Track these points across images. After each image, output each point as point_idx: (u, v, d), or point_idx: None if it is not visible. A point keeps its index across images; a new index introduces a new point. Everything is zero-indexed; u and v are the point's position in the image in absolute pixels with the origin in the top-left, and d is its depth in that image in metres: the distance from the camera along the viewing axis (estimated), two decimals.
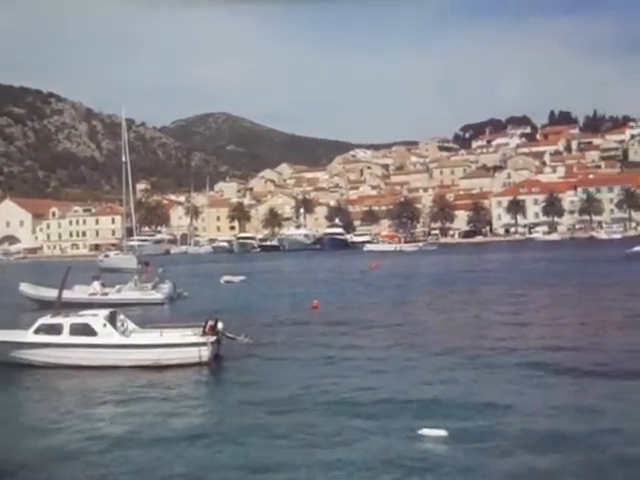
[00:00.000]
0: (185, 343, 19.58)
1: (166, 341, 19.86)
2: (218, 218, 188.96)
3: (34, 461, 12.39)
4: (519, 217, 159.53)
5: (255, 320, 28.69)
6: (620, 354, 19.14)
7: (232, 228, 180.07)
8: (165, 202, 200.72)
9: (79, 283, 36.09)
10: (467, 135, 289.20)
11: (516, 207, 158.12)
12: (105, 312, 20.97)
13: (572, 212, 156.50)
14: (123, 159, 49.59)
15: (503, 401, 14.61)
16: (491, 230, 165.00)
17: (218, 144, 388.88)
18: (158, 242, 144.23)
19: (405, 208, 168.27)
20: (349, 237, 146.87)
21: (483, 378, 16.95)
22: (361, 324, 27.07)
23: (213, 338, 19.60)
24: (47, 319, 20.72)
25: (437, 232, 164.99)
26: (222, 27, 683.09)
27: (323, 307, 32.65)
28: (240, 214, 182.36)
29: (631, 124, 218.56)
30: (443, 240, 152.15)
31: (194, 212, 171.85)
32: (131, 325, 21.51)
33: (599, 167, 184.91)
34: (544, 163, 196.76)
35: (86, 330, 19.84)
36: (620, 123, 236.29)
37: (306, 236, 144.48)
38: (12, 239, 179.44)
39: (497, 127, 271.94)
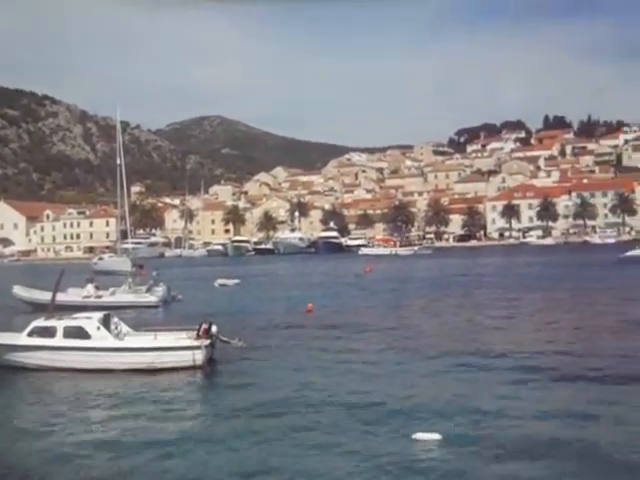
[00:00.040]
0: (179, 346, 19.54)
1: (160, 344, 19.81)
2: (213, 221, 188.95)
3: (27, 464, 12.35)
4: (513, 221, 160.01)
5: (249, 323, 28.67)
6: (614, 359, 19.17)
7: (227, 231, 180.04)
8: (160, 205, 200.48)
9: (73, 286, 35.95)
10: (462, 139, 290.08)
11: (510, 211, 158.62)
12: (99, 315, 20.92)
13: (566, 217, 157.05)
14: (118, 162, 49.51)
15: (496, 405, 14.61)
16: (485, 234, 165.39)
17: (213, 147, 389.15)
18: (152, 245, 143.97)
19: (400, 212, 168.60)
20: (344, 241, 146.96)
21: (477, 382, 16.95)
22: (356, 328, 27.05)
23: (207, 341, 19.56)
24: (41, 322, 20.66)
25: (432, 236, 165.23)
26: (219, 29, 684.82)
27: (318, 311, 32.63)
28: (235, 217, 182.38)
29: (625, 129, 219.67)
30: (438, 244, 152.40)
31: (189, 215, 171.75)
32: (125, 328, 21.46)
33: (593, 172, 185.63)
34: (538, 168, 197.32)
35: (80, 333, 19.78)
36: (614, 128, 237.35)
37: (301, 239, 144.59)
38: (6, 241, 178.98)
39: (492, 131, 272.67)
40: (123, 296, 36.81)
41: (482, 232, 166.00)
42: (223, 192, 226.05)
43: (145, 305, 35.83)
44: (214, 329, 20.10)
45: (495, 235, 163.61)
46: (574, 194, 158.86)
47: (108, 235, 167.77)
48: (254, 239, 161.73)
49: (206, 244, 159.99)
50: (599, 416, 13.70)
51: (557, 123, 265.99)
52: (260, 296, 43.33)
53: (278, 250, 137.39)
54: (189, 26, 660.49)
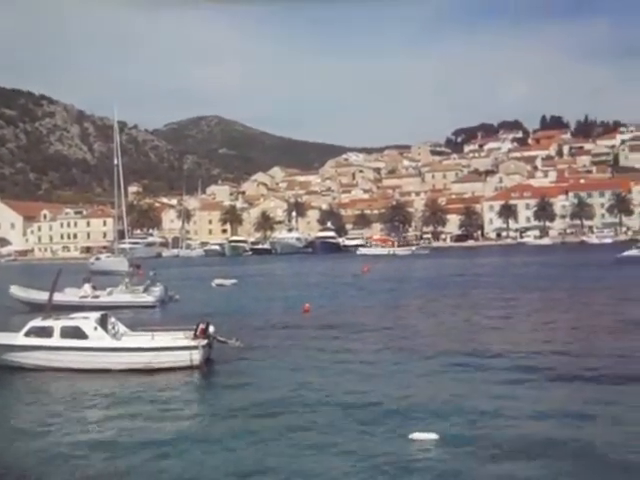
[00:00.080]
0: (176, 346, 19.54)
1: (157, 344, 19.80)
2: (210, 221, 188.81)
3: (24, 464, 12.35)
4: (511, 221, 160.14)
5: (246, 323, 28.67)
6: (610, 359, 19.20)
7: (224, 231, 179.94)
8: (157, 205, 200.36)
9: (70, 286, 35.91)
10: (459, 139, 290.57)
11: (508, 211, 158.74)
12: (96, 315, 20.93)
13: (563, 217, 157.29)
14: (115, 162, 49.45)
15: (493, 405, 14.63)
16: (483, 234, 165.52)
17: (210, 147, 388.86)
18: (150, 245, 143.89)
19: (397, 212, 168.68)
20: (341, 241, 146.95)
21: (473, 382, 16.97)
22: (353, 328, 27.07)
23: (204, 342, 19.56)
24: (38, 322, 20.65)
25: (429, 236, 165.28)
26: (218, 29, 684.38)
27: (315, 311, 32.65)
28: (232, 217, 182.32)
29: (622, 129, 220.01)
30: (435, 244, 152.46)
31: (186, 215, 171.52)
32: (122, 328, 21.46)
33: (590, 172, 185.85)
34: (536, 168, 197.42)
35: (77, 333, 19.78)
36: (611, 128, 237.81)
37: (298, 239, 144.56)
38: (3, 241, 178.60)
39: (489, 131, 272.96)
40: (120, 296, 36.78)
41: (479, 232, 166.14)
42: (220, 192, 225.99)
43: (142, 305, 35.80)
44: (211, 329, 20.11)
45: (492, 235, 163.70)
46: (571, 194, 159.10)
47: (105, 235, 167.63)
48: (251, 239, 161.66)
49: (203, 244, 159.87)
50: (595, 416, 13.72)
51: (554, 123, 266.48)
52: (257, 296, 43.34)
53: (275, 250, 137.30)
54: (187, 26, 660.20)
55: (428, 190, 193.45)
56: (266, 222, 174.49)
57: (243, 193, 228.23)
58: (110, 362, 19.48)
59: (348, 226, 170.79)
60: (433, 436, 12.42)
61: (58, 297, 26.77)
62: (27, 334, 20.17)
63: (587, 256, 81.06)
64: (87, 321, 20.20)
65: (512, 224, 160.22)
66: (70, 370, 19.37)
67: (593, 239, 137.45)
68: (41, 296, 29.64)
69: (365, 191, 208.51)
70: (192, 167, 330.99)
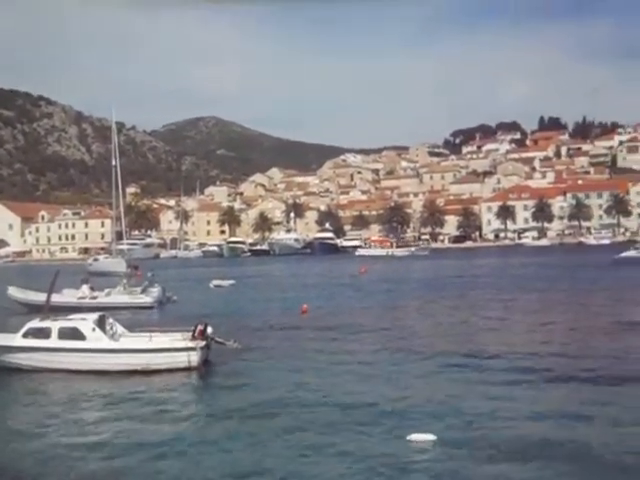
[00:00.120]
0: (174, 348, 19.53)
1: (155, 346, 19.79)
2: (208, 222, 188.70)
3: (20, 465, 12.36)
4: (509, 222, 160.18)
5: (244, 325, 28.67)
6: (607, 360, 19.23)
7: (222, 232, 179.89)
8: (155, 206, 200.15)
9: (68, 287, 35.88)
10: (457, 140, 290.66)
11: (506, 212, 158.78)
12: (94, 316, 20.91)
13: (561, 218, 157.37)
14: (113, 162, 49.50)
15: (491, 406, 14.65)
16: (481, 235, 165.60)
17: (208, 148, 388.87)
18: (148, 246, 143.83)
19: (395, 213, 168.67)
20: (339, 242, 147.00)
21: (471, 383, 16.97)
22: (350, 329, 27.08)
23: (202, 343, 19.55)
24: (35, 323, 20.64)
25: (427, 237, 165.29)
26: (216, 29, 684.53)
27: (313, 312, 32.67)
28: (230, 218, 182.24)
29: (620, 130, 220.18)
30: (433, 245, 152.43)
31: (184, 216, 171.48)
32: (120, 329, 21.45)
33: (588, 173, 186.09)
34: (534, 169, 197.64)
35: (75, 334, 19.76)
36: (609, 129, 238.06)
37: (296, 240, 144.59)
38: (1, 242, 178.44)
39: (487, 133, 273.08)
40: (118, 297, 36.77)
41: (477, 233, 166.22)
42: (218, 193, 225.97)
43: (140, 306, 35.79)
44: (209, 330, 20.10)
45: (490, 236, 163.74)
46: (569, 195, 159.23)
47: (103, 236, 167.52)
48: (249, 240, 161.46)
49: (201, 245, 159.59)
50: (592, 417, 13.74)
51: (552, 124, 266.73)
52: (255, 297, 43.35)
53: (273, 251, 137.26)
54: (187, 26, 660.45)
55: (426, 191, 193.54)
56: (264, 223, 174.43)
57: (241, 194, 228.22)
58: (108, 363, 19.47)
59: (346, 227, 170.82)
60: (431, 437, 12.44)
61: (56, 298, 26.68)
62: (25, 335, 20.16)
63: (585, 257, 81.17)
64: (85, 322, 20.19)
65: (510, 225, 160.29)
66: (68, 371, 19.36)
67: (591, 240, 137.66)
68: (39, 297, 29.64)
69: (363, 192, 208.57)
70: (190, 168, 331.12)
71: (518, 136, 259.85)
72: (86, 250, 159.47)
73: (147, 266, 50.86)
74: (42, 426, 14.57)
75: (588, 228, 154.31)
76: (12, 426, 14.89)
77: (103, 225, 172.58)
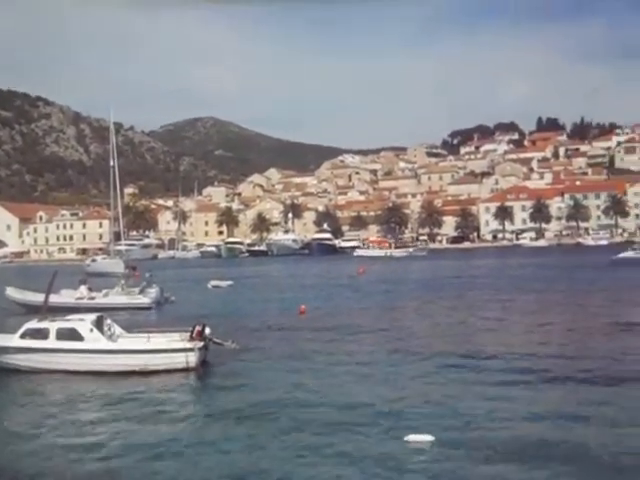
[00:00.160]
0: (172, 349, 19.53)
1: (153, 347, 19.78)
2: (206, 223, 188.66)
3: (17, 465, 12.36)
4: (507, 223, 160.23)
5: (242, 325, 28.68)
6: (604, 360, 19.26)
7: (220, 233, 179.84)
8: (153, 207, 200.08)
9: (66, 287, 35.89)
10: (455, 141, 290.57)
11: (504, 213, 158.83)
12: (92, 317, 20.90)
13: (559, 218, 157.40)
14: (111, 163, 49.45)
15: (488, 407, 14.67)
16: (479, 236, 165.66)
17: (206, 149, 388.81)
18: (146, 247, 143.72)
19: (393, 213, 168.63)
20: (337, 242, 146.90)
21: (469, 384, 16.99)
22: (348, 329, 27.09)
23: (200, 344, 19.55)
24: (33, 323, 20.63)
25: (425, 238, 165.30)
26: (215, 29, 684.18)
27: (311, 312, 32.69)
28: (228, 219, 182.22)
29: (617, 131, 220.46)
30: (431, 246, 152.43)
31: (182, 217, 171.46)
32: (118, 330, 21.44)
33: (586, 174, 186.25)
34: (532, 169, 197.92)
35: (73, 335, 19.76)
36: (607, 130, 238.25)
37: (294, 241, 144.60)
38: None
39: (485, 133, 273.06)
40: (116, 298, 36.76)
41: (475, 234, 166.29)
42: (216, 194, 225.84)
43: (138, 307, 35.78)
44: (207, 331, 20.11)
45: (488, 237, 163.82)
46: (567, 196, 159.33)
47: (101, 237, 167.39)
48: (247, 241, 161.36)
49: (199, 245, 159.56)
50: (589, 417, 13.77)
51: (550, 125, 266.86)
52: (253, 298, 43.36)
53: (272, 252, 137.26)
54: (186, 27, 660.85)
55: (424, 192, 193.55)
56: (262, 224, 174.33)
57: (239, 195, 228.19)
58: (106, 364, 19.47)
59: (344, 228, 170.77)
60: (428, 438, 12.45)
61: (54, 299, 26.72)
62: (23, 336, 20.15)
63: (583, 258, 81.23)
64: (83, 323, 20.18)
65: (508, 226, 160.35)
66: (66, 372, 19.36)
67: (589, 241, 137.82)
68: (37, 298, 29.65)
69: (361, 193, 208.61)
70: (188, 169, 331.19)
71: (516, 137, 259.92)
72: (84, 251, 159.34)
73: (145, 267, 50.85)
74: (40, 427, 14.58)
75: (586, 229, 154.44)
76: (10, 427, 14.89)
77: (101, 226, 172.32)
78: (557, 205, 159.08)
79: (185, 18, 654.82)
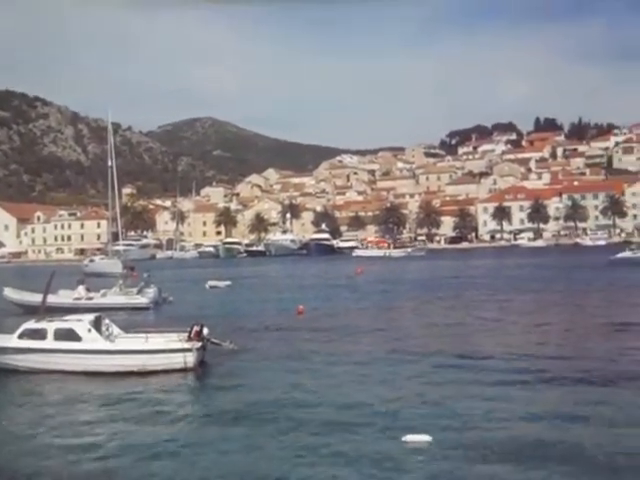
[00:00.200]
0: (170, 349, 19.51)
1: (151, 347, 19.77)
2: (204, 223, 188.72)
3: (14, 465, 12.36)
4: (505, 223, 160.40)
5: (240, 325, 28.67)
6: (601, 360, 19.27)
7: (218, 233, 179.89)
8: (151, 207, 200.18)
9: (64, 288, 35.87)
10: (453, 141, 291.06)
11: (502, 213, 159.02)
12: (90, 317, 20.88)
13: (557, 219, 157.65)
14: (109, 163, 49.47)
15: (486, 407, 14.68)
16: (477, 236, 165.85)
17: (204, 149, 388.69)
18: (144, 247, 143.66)
19: (391, 214, 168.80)
20: (335, 242, 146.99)
21: (466, 384, 17.00)
22: (346, 330, 27.10)
23: (199, 344, 19.54)
24: (31, 324, 20.61)
25: (423, 238, 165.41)
26: (214, 30, 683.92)
27: (309, 312, 32.68)
28: (226, 219, 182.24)
29: (615, 132, 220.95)
30: (429, 246, 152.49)
31: (180, 217, 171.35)
32: (116, 330, 21.42)
33: (584, 174, 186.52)
34: (529, 170, 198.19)
35: (71, 335, 19.74)
36: (605, 130, 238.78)
37: (292, 241, 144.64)
38: None
39: (483, 133, 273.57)
40: (114, 298, 36.72)
41: (473, 234, 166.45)
42: (214, 194, 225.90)
43: (136, 307, 35.75)
44: (205, 331, 20.12)
45: (486, 237, 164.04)
46: (565, 196, 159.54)
47: (99, 237, 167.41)
48: (245, 241, 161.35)
49: (197, 246, 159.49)
50: (586, 417, 13.78)
51: (548, 125, 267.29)
52: (251, 298, 43.34)
53: (270, 252, 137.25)
54: (185, 27, 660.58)
55: (422, 192, 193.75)
56: (260, 224, 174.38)
57: (237, 195, 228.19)
58: (104, 364, 19.45)
59: (342, 228, 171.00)
60: (426, 438, 12.46)
61: (52, 299, 26.69)
62: (20, 336, 20.12)
63: (581, 258, 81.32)
64: (81, 323, 20.16)
65: (506, 226, 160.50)
66: (64, 372, 19.34)
67: (587, 241, 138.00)
68: (35, 298, 29.58)
69: (359, 193, 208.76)
70: (186, 169, 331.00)
71: (514, 137, 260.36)
72: (82, 251, 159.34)
73: (143, 267, 50.78)
74: (38, 427, 14.58)
75: (584, 229, 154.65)
76: (8, 427, 14.88)
77: (99, 226, 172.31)
78: (555, 205, 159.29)
79: (184, 18, 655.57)
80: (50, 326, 20.07)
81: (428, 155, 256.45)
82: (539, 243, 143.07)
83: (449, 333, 25.98)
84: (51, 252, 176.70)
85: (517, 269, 65.72)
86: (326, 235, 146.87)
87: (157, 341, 20.08)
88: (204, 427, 14.31)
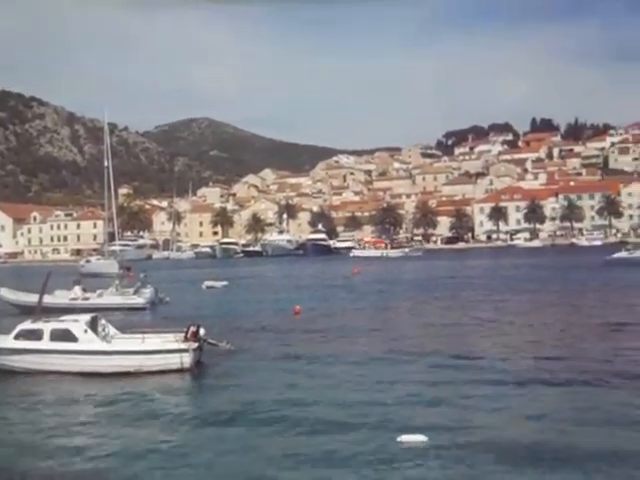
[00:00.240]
0: (167, 350, 19.50)
1: (148, 347, 19.76)
2: (201, 223, 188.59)
3: (8, 465, 12.36)
4: (501, 224, 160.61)
5: (237, 326, 28.67)
6: (598, 361, 19.30)
7: (215, 233, 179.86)
8: (147, 207, 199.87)
9: (60, 288, 35.80)
10: (450, 142, 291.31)
11: (498, 214, 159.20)
12: (86, 317, 20.84)
13: (553, 219, 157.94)
14: (105, 163, 49.44)
15: (481, 407, 14.75)
16: (473, 236, 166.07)
17: (201, 149, 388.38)
18: (140, 247, 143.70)
19: (388, 214, 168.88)
20: (332, 243, 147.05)
21: (462, 384, 17.03)
22: (343, 330, 27.12)
23: (195, 344, 19.54)
24: (27, 324, 20.59)
25: (420, 238, 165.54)
26: (212, 30, 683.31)
27: (305, 313, 32.69)
28: (223, 219, 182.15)
29: (611, 132, 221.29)
30: (426, 246, 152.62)
31: (177, 217, 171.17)
32: (112, 330, 21.40)
33: (580, 174, 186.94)
34: (526, 170, 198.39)
35: (67, 336, 19.70)
36: (601, 131, 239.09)
37: (289, 242, 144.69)
38: None
39: (479, 134, 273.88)
40: (110, 298, 36.68)
41: (470, 234, 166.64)
42: (211, 194, 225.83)
43: (132, 307, 35.71)
44: (202, 332, 20.10)
45: (483, 237, 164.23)
46: (561, 196, 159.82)
47: (95, 237, 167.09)
48: (242, 241, 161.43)
49: (194, 246, 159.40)
50: (582, 418, 13.83)
51: (544, 126, 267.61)
52: (248, 298, 43.34)
53: (266, 252, 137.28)
54: (184, 27, 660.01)
55: (419, 192, 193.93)
56: (257, 224, 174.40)
57: (234, 195, 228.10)
58: (100, 365, 19.43)
59: (339, 228, 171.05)
60: (421, 438, 12.48)
61: (48, 299, 26.64)
62: (17, 337, 20.09)
63: (577, 258, 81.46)
64: (77, 324, 20.12)
65: (502, 226, 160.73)
66: (60, 373, 19.32)
67: (583, 241, 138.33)
68: (31, 298, 29.55)
69: (356, 193, 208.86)
70: (183, 169, 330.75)
71: (510, 137, 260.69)
72: (78, 251, 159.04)
73: (139, 267, 50.74)
74: (33, 428, 14.56)
75: (580, 229, 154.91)
76: (3, 428, 14.85)
77: (95, 226, 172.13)
78: (551, 205, 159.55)
79: (184, 18, 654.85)
80: (46, 327, 20.04)
81: (424, 155, 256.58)
82: (535, 243, 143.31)
83: (445, 333, 26.02)
84: (47, 252, 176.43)
85: (513, 269, 65.82)
86: (323, 235, 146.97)
87: (154, 342, 20.07)
88: (200, 428, 14.31)
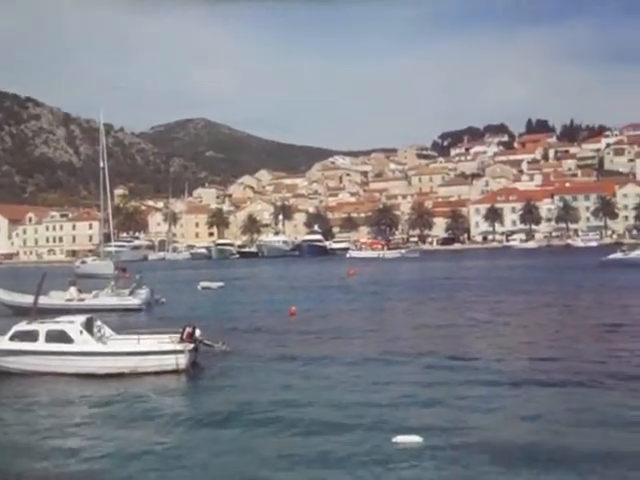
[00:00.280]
0: (162, 351, 19.50)
1: (143, 348, 19.75)
2: (197, 224, 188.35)
3: (3, 467, 12.34)
4: (497, 225, 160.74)
5: (233, 327, 28.68)
6: (592, 362, 19.35)
7: (211, 234, 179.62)
8: (143, 208, 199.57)
9: (55, 289, 35.80)
10: (445, 143, 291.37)
11: (494, 215, 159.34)
12: (82, 318, 20.83)
13: (549, 220, 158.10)
14: (101, 164, 49.31)
15: (476, 408, 14.78)
16: (469, 237, 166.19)
17: (197, 150, 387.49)
18: (136, 248, 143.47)
19: (384, 215, 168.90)
20: (328, 244, 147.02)
21: (457, 385, 17.06)
22: (338, 331, 27.16)
23: (191, 345, 19.55)
24: (22, 326, 20.56)
25: (415, 239, 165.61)
26: (210, 31, 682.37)
27: (301, 314, 32.69)
28: (219, 220, 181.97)
29: (607, 133, 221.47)
30: (422, 247, 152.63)
31: (172, 218, 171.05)
32: (108, 331, 21.40)
33: (575, 175, 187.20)
34: (521, 171, 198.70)
35: (62, 337, 19.68)
36: (596, 132, 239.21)
37: (285, 242, 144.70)
38: None
39: (475, 135, 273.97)
40: (106, 299, 36.66)
41: (466, 235, 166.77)
42: (207, 195, 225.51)
43: (128, 308, 35.69)
44: (197, 333, 20.10)
45: (478, 238, 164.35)
46: (557, 197, 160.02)
47: (91, 238, 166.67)
48: (238, 242, 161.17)
49: (190, 247, 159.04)
50: (576, 418, 13.87)
51: (540, 127, 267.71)
52: (243, 299, 43.33)
53: (262, 253, 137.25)
54: (183, 28, 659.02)
55: (414, 193, 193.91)
56: (253, 225, 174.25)
57: (230, 196, 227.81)
58: (96, 366, 19.41)
59: (335, 229, 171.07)
60: (416, 439, 12.50)
61: (43, 300, 26.60)
62: (12, 338, 20.05)
63: (572, 259, 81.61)
64: (72, 325, 20.10)
65: (498, 227, 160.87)
66: (55, 374, 19.29)
67: (578, 242, 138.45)
68: (26, 299, 29.47)
69: (352, 194, 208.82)
70: (179, 170, 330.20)
71: (506, 139, 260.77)
72: (74, 252, 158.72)
73: (135, 268, 50.74)
74: (28, 429, 14.55)
75: (575, 230, 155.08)
76: None
77: (91, 227, 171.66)
78: (547, 207, 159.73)
79: (183, 19, 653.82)
80: (42, 328, 20.02)
81: (420, 156, 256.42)
82: (531, 244, 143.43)
83: (441, 334, 26.05)
84: (43, 253, 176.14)
85: (509, 270, 65.92)
86: (318, 236, 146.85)
87: (149, 343, 20.06)
88: (195, 429, 14.32)
